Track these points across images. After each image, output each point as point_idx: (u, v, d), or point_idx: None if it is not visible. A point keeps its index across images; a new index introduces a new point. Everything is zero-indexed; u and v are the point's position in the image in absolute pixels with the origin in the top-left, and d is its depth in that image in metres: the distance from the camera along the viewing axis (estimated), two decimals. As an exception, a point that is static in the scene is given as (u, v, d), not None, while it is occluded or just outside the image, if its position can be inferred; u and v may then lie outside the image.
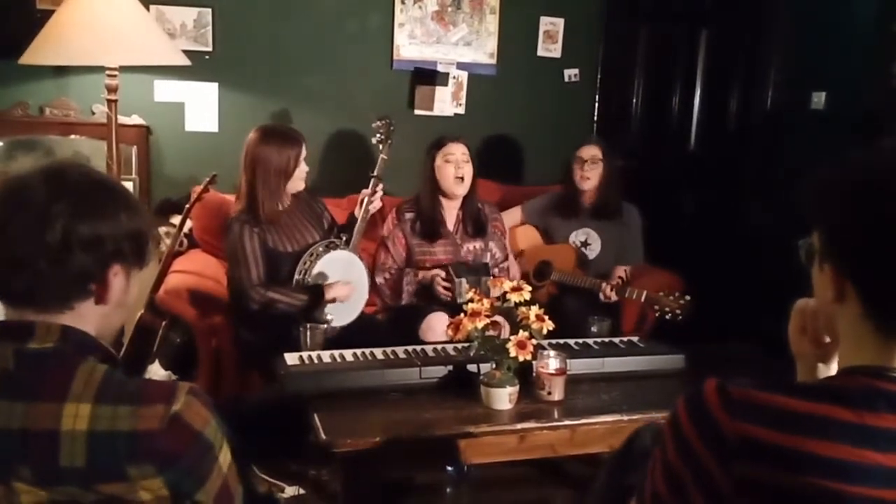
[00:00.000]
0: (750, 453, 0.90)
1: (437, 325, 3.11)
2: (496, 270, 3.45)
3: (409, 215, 3.42)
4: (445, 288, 3.25)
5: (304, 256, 3.08)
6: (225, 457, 1.15)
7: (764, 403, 0.92)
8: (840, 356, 1.02)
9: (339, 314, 3.11)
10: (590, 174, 3.67)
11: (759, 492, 0.90)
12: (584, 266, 3.70)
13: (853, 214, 0.94)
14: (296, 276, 3.06)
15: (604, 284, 3.45)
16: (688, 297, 3.18)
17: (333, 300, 3.05)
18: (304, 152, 3.09)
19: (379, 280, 3.36)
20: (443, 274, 3.28)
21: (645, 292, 3.32)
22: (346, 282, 3.10)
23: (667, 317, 3.20)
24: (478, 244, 3.43)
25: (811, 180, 0.99)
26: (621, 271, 3.66)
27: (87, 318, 1.17)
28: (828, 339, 1.10)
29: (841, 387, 0.94)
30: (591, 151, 3.68)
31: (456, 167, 3.33)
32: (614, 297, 3.43)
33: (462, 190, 3.37)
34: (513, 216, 3.90)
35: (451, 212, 3.45)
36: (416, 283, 3.34)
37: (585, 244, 3.73)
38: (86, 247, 1.12)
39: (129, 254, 1.18)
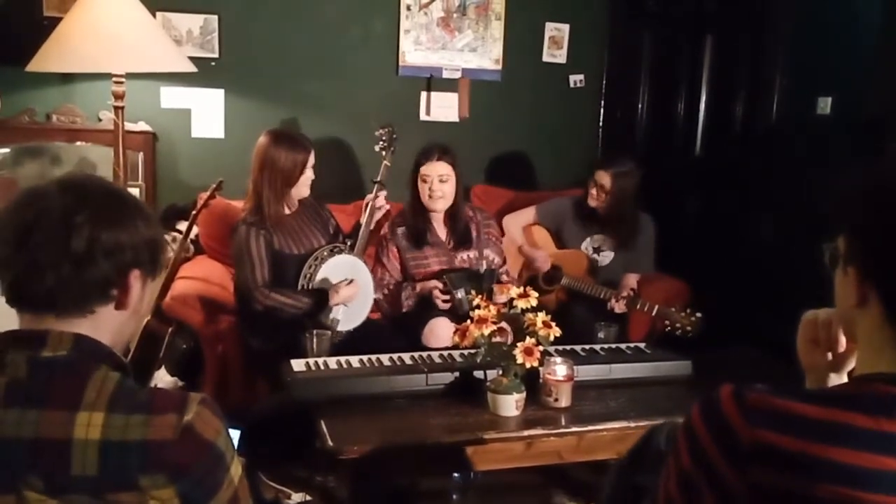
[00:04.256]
0: (766, 459, 0.90)
1: (439, 331, 3.11)
2: (504, 277, 3.45)
3: (400, 229, 3.41)
4: (444, 301, 3.25)
5: (309, 260, 3.10)
6: (236, 468, 1.16)
7: (780, 409, 0.92)
8: (858, 362, 1.02)
9: (345, 319, 3.12)
10: (596, 198, 3.65)
11: (774, 498, 0.90)
12: (594, 273, 3.69)
13: (876, 216, 0.94)
14: (300, 280, 3.07)
15: (613, 300, 3.43)
16: (699, 315, 3.17)
17: (336, 304, 3.06)
18: (311, 160, 3.11)
19: (377, 296, 3.34)
20: (440, 286, 3.28)
21: (657, 306, 3.30)
22: (348, 282, 3.10)
23: (677, 332, 3.19)
24: (470, 253, 3.42)
25: (842, 184, 1.01)
26: (632, 281, 3.65)
27: (105, 324, 1.18)
28: (842, 349, 1.09)
29: (857, 393, 0.94)
30: (601, 179, 3.61)
31: (430, 187, 3.32)
32: (623, 310, 3.42)
33: (439, 206, 3.36)
34: (525, 216, 3.88)
35: (438, 223, 3.44)
36: (414, 296, 3.33)
37: (599, 250, 3.72)
38: (108, 254, 1.14)
39: (147, 261, 1.21)
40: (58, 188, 1.16)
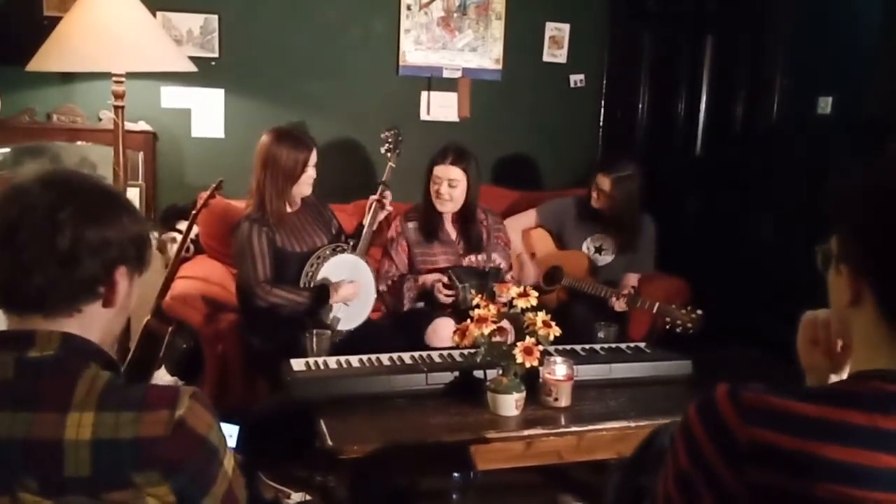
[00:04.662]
0: (762, 458, 0.90)
1: (442, 331, 3.11)
2: (508, 278, 3.45)
3: (411, 224, 3.43)
4: (447, 295, 3.25)
5: (311, 259, 3.10)
6: (229, 461, 1.15)
7: (776, 408, 0.92)
8: (854, 361, 1.02)
9: (346, 318, 3.13)
10: (598, 200, 3.66)
11: (771, 497, 0.90)
12: (594, 273, 3.69)
13: (873, 214, 0.94)
14: (302, 278, 3.07)
15: (614, 297, 3.43)
16: (699, 312, 3.17)
17: (337, 302, 3.07)
18: (313, 158, 3.11)
19: (381, 288, 3.37)
20: (444, 279, 3.28)
21: (657, 304, 3.30)
22: (350, 280, 3.10)
23: (677, 330, 3.19)
24: (480, 256, 3.44)
25: (835, 184, 1.01)
26: (633, 280, 3.65)
27: (93, 322, 1.17)
28: (841, 350, 1.09)
29: (853, 391, 0.94)
30: (602, 183, 3.62)
31: (439, 189, 3.33)
32: (624, 308, 3.42)
33: (447, 208, 3.37)
34: (527, 218, 3.88)
35: (448, 222, 3.46)
36: (417, 288, 3.34)
37: (600, 249, 3.73)
38: (94, 251, 1.13)
39: (133, 257, 1.20)
40: (41, 184, 1.14)
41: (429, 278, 3.32)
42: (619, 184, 3.60)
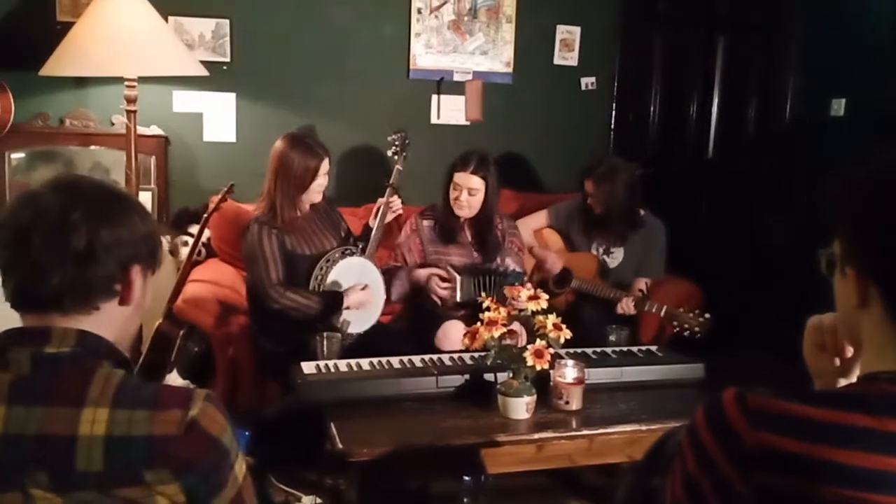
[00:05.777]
0: (770, 463, 0.89)
1: (452, 334, 3.10)
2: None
3: (426, 223, 3.44)
4: (444, 288, 3.25)
5: (321, 262, 3.10)
6: (241, 466, 1.16)
7: (783, 412, 0.91)
8: (862, 363, 1.01)
9: (356, 322, 3.13)
10: (593, 204, 3.68)
11: (778, 501, 0.89)
12: (604, 275, 3.68)
13: (877, 212, 0.93)
14: (311, 282, 3.07)
15: (624, 299, 3.42)
16: (707, 315, 3.16)
17: (348, 307, 3.07)
18: (325, 167, 3.10)
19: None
20: (442, 273, 3.28)
21: (665, 307, 3.29)
22: (363, 286, 3.10)
23: (685, 333, 3.18)
24: (495, 260, 3.43)
25: (832, 184, 0.99)
26: (642, 284, 3.64)
27: (110, 320, 1.19)
28: (850, 354, 1.08)
29: (861, 394, 0.93)
30: (588, 187, 3.67)
31: (458, 196, 3.32)
32: (633, 311, 3.41)
33: (465, 213, 3.36)
34: (538, 220, 3.89)
35: (465, 227, 3.46)
36: (409, 280, 3.34)
37: (608, 252, 3.72)
38: (109, 250, 1.15)
39: (146, 255, 1.22)
40: (51, 189, 1.16)
41: (423, 273, 3.31)
42: (599, 183, 3.63)
